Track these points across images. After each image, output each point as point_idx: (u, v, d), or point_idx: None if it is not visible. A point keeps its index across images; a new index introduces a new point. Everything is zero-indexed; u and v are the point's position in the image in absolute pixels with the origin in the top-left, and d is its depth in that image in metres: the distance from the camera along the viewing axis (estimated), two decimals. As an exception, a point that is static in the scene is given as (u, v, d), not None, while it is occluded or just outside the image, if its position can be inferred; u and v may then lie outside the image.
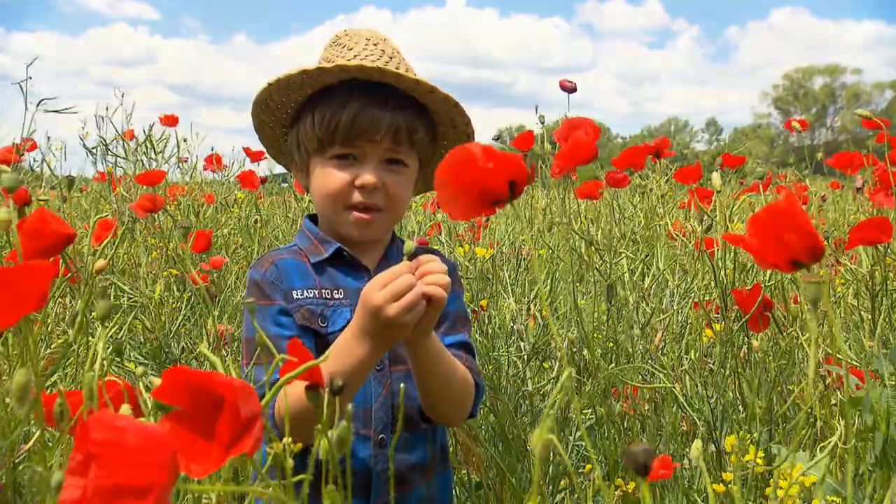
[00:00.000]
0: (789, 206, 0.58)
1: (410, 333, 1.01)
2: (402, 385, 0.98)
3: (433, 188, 1.41)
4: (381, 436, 1.14)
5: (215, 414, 0.48)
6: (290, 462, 0.52)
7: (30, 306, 0.56)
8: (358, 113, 1.13)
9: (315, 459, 0.59)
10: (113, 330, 0.65)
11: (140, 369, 0.68)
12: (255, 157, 3.49)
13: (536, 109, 1.81)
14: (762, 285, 1.44)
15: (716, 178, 1.41)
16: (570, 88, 1.72)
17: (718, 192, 1.42)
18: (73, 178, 1.21)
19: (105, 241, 1.19)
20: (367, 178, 1.14)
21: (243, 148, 3.51)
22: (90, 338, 0.92)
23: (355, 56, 1.16)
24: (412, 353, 1.06)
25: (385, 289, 0.95)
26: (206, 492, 0.50)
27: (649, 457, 0.43)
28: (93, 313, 0.76)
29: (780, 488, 0.90)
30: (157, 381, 0.53)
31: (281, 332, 1.10)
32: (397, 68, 1.15)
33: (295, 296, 1.14)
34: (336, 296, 1.16)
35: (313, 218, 1.26)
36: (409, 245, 0.94)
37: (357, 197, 1.15)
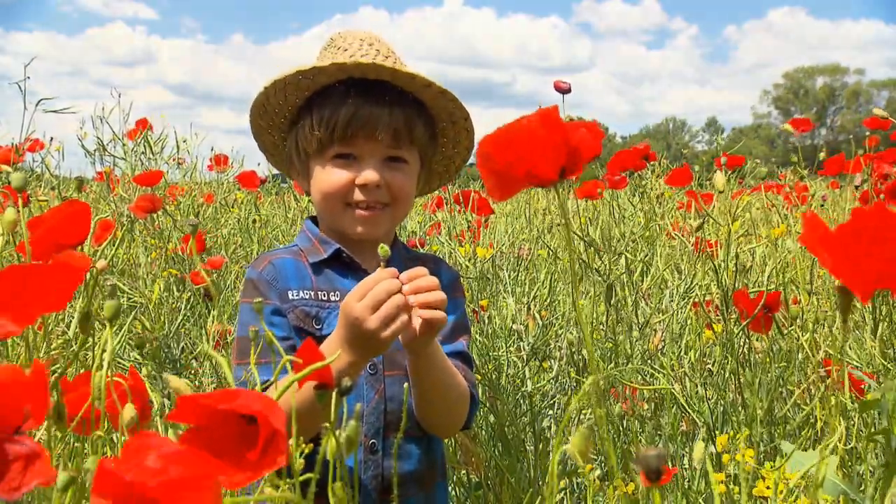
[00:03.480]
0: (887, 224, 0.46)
1: (410, 350, 1.00)
2: (405, 385, 0.96)
3: (433, 190, 1.41)
4: (371, 441, 1.11)
5: (233, 430, 0.48)
6: (299, 463, 0.52)
7: (53, 305, 0.55)
8: (356, 111, 1.12)
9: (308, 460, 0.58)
10: (113, 330, 0.65)
11: (145, 370, 0.67)
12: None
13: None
14: (763, 287, 1.44)
15: (719, 178, 1.41)
16: (564, 89, 1.72)
17: (721, 192, 1.42)
18: (81, 179, 1.20)
19: (105, 242, 1.19)
20: (369, 175, 1.12)
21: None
22: (92, 338, 0.92)
23: (350, 56, 1.15)
24: (411, 360, 1.05)
25: (365, 299, 0.93)
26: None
27: (661, 461, 0.43)
28: (95, 313, 0.76)
29: (769, 488, 0.90)
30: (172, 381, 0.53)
31: (273, 332, 1.09)
32: (393, 65, 1.14)
33: (290, 296, 1.12)
34: (332, 298, 1.14)
35: (314, 219, 1.25)
36: (385, 250, 0.91)
37: (358, 195, 1.14)
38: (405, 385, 0.92)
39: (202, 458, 0.47)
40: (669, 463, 1.35)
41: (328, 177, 1.15)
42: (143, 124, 3.10)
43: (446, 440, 1.80)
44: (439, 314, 0.96)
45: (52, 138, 2.87)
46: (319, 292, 1.14)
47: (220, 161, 3.68)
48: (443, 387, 1.08)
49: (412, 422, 1.14)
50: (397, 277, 0.96)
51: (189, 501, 0.41)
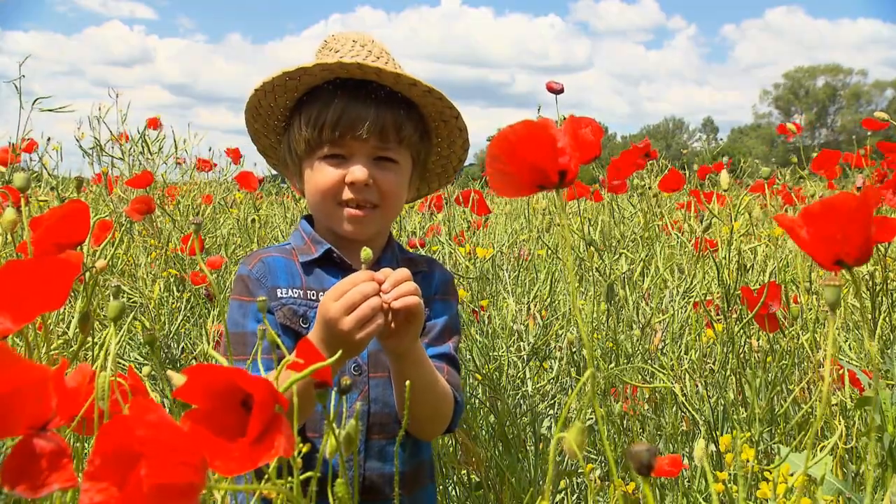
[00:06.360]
0: (850, 204, 0.54)
1: (393, 346, 1.00)
2: (410, 384, 0.96)
3: (433, 191, 1.41)
4: None
5: (236, 413, 0.48)
6: (299, 462, 0.52)
7: (51, 302, 0.55)
8: (342, 111, 1.12)
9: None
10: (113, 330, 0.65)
11: (146, 368, 0.67)
12: (236, 157, 3.56)
13: (539, 109, 1.82)
14: (764, 286, 1.44)
15: (724, 177, 1.42)
16: (556, 90, 1.71)
17: (726, 190, 1.43)
18: (81, 178, 1.20)
19: (104, 242, 1.19)
20: (357, 174, 1.13)
21: (225, 150, 3.55)
22: (92, 338, 0.92)
23: (340, 58, 1.15)
24: (392, 359, 1.05)
25: (341, 300, 0.93)
26: (221, 490, 0.49)
27: (653, 456, 0.42)
28: (95, 313, 0.76)
29: (772, 487, 0.90)
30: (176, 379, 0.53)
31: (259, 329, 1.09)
32: (384, 66, 1.13)
33: (279, 294, 1.13)
34: (321, 297, 1.12)
35: (309, 219, 1.26)
36: (367, 253, 0.90)
37: (348, 194, 1.14)
38: (383, 389, 0.91)
39: (198, 433, 0.47)
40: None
41: (319, 176, 1.16)
42: (124, 138, 3.11)
43: (446, 440, 1.81)
44: (413, 300, 0.95)
45: (49, 139, 2.87)
46: (308, 291, 1.15)
47: (205, 163, 3.69)
48: (424, 391, 1.08)
49: (395, 424, 1.14)
50: (379, 283, 0.96)
51: (185, 470, 0.40)
